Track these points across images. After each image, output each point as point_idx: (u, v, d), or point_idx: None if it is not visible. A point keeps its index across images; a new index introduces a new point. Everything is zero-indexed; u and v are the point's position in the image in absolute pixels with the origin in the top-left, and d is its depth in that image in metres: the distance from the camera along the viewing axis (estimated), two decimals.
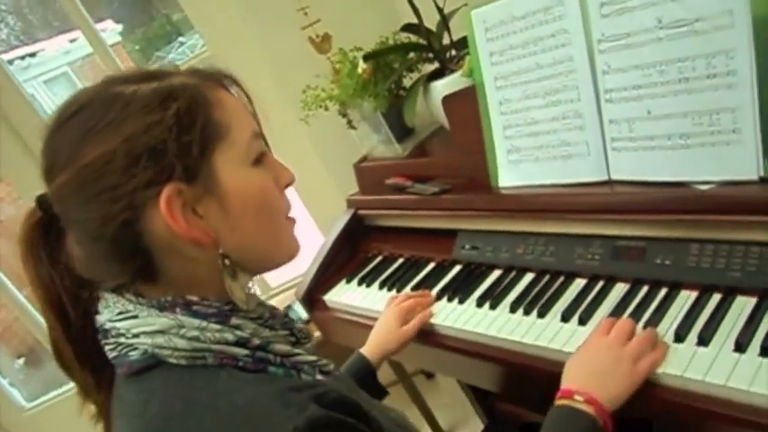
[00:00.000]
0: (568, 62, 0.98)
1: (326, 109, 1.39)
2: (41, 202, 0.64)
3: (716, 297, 0.83)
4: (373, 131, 1.40)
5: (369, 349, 1.06)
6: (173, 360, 0.59)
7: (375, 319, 1.13)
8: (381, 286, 1.26)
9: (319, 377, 0.65)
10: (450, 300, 1.10)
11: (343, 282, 1.34)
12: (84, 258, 0.63)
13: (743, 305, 0.80)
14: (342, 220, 1.44)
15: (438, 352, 1.08)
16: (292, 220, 0.70)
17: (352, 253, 1.42)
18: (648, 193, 0.91)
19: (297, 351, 0.65)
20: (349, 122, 1.42)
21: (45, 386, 2.35)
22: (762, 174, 0.80)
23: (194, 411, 0.56)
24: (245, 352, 0.61)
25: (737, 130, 0.81)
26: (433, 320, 1.08)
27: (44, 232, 0.65)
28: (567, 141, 1.02)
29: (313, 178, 1.75)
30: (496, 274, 1.11)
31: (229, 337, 0.61)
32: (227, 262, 0.63)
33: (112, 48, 1.96)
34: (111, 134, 0.58)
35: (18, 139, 1.89)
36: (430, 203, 1.24)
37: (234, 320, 0.63)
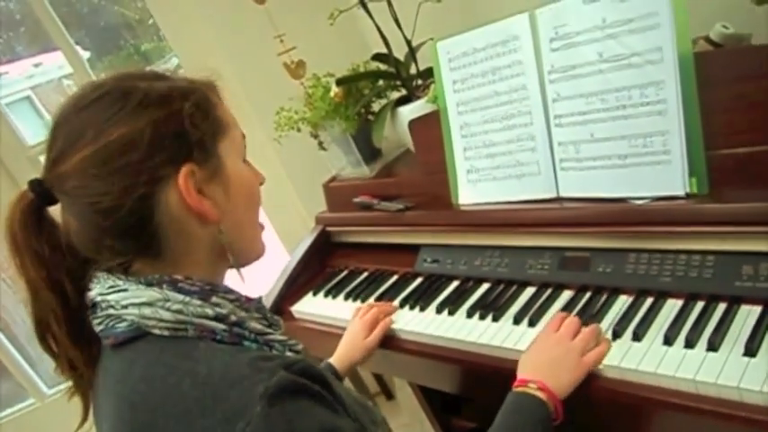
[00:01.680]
0: (522, 90, 1.09)
1: (299, 130, 1.47)
2: (35, 185, 0.68)
3: (649, 300, 0.92)
4: (343, 153, 1.49)
5: (337, 360, 1.12)
6: (156, 331, 0.64)
7: (340, 328, 1.19)
8: (346, 298, 1.32)
9: (289, 354, 0.71)
10: (411, 308, 1.18)
11: (310, 294, 1.40)
12: (88, 236, 0.67)
13: (672, 306, 0.89)
14: (310, 236, 1.50)
15: (401, 356, 1.14)
16: (262, 226, 0.79)
17: (318, 268, 1.49)
18: (592, 208, 1.01)
19: (269, 330, 0.72)
20: (320, 144, 1.50)
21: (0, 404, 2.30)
22: (688, 190, 0.91)
23: (174, 375, 0.61)
24: (223, 326, 0.66)
25: (667, 152, 0.92)
26: (395, 326, 1.15)
27: (36, 215, 0.68)
28: (520, 162, 1.12)
29: (281, 197, 1.82)
30: (455, 284, 1.19)
31: (209, 312, 0.66)
32: (224, 238, 0.70)
33: (76, 75, 1.99)
34: (136, 117, 0.64)
35: None
36: (394, 220, 1.32)
37: (214, 299, 0.68)
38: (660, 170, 0.94)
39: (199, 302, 0.66)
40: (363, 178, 1.47)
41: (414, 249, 1.31)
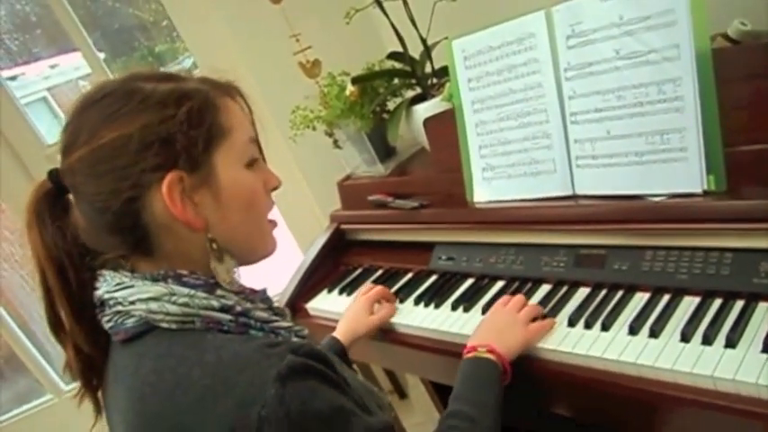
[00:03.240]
0: (538, 88, 1.09)
1: (314, 129, 1.48)
2: (52, 175, 0.71)
3: (666, 297, 0.92)
4: (358, 151, 1.50)
5: (341, 333, 1.14)
6: (164, 325, 0.66)
7: None
8: None
9: (295, 339, 0.73)
10: (426, 305, 1.18)
11: (325, 291, 1.41)
12: (89, 229, 0.70)
13: (689, 303, 0.89)
14: (324, 234, 1.51)
15: (416, 353, 1.14)
16: (273, 223, 0.79)
17: (333, 265, 1.49)
18: (608, 205, 1.01)
19: (274, 318, 0.73)
20: (335, 142, 1.51)
21: (17, 399, 2.33)
22: (705, 187, 0.91)
23: (184, 366, 0.63)
24: (229, 317, 0.68)
25: (684, 149, 0.92)
26: (410, 323, 1.15)
27: (51, 202, 0.71)
28: (536, 159, 1.12)
29: (296, 196, 1.83)
30: (470, 281, 1.20)
31: (215, 303, 0.68)
32: (214, 246, 0.71)
33: (91, 76, 2.02)
34: (128, 121, 0.66)
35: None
36: (409, 218, 1.33)
37: (219, 292, 0.70)
38: (677, 167, 0.93)
39: (204, 295, 0.68)
40: (378, 176, 1.48)
41: (428, 247, 1.31)
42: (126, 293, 0.67)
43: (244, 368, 0.61)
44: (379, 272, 1.39)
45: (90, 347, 0.72)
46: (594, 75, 1.00)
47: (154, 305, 0.66)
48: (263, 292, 0.77)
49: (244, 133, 0.73)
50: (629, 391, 0.83)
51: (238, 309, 0.69)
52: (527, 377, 0.93)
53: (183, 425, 0.61)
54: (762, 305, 0.83)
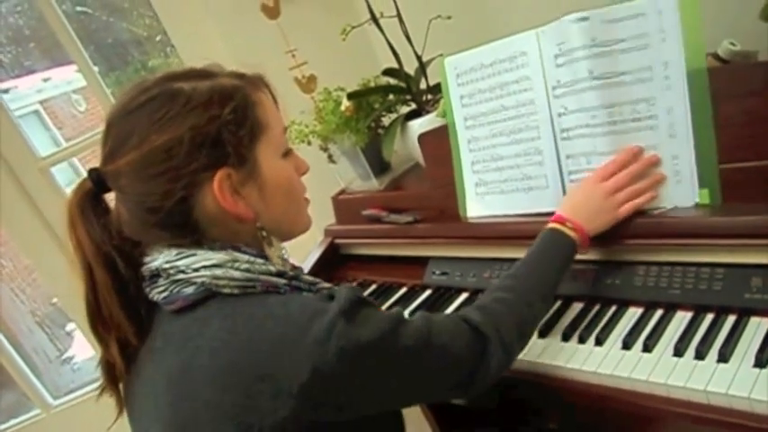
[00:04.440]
0: (530, 105, 1.10)
1: (309, 144, 1.48)
2: (93, 175, 0.74)
3: (659, 312, 0.93)
4: (352, 166, 1.50)
5: None
6: (227, 290, 0.69)
7: None
8: None
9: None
10: None
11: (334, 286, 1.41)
12: (136, 225, 0.73)
13: (682, 318, 0.90)
14: (319, 248, 1.51)
15: None
16: (307, 201, 0.88)
17: (327, 280, 1.48)
18: None
19: (318, 279, 0.79)
20: (330, 157, 1.52)
21: (4, 414, 2.30)
22: (698, 200, 0.93)
23: (254, 321, 0.67)
24: (284, 281, 0.73)
25: (676, 165, 0.94)
26: None
27: (93, 201, 0.75)
28: (528, 175, 1.13)
29: None
30: (464, 296, 1.20)
31: (272, 269, 0.73)
32: (264, 233, 0.76)
33: (85, 90, 2.03)
34: (178, 124, 0.69)
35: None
36: (403, 232, 1.33)
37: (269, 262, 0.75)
38: (669, 182, 0.95)
39: (262, 261, 0.73)
40: (372, 191, 1.49)
41: (422, 262, 1.32)
42: (189, 261, 0.70)
43: (312, 315, 0.66)
44: (374, 286, 1.39)
45: (138, 339, 0.74)
46: (583, 92, 1.01)
47: (218, 271, 0.69)
48: (302, 269, 0.84)
49: (278, 126, 0.80)
50: (623, 405, 0.83)
51: (290, 273, 0.74)
52: (521, 392, 0.93)
53: (263, 371, 0.64)
54: (753, 320, 0.84)
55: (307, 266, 1.48)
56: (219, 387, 0.65)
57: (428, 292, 1.27)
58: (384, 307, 1.27)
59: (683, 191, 0.94)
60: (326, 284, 0.80)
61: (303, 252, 1.60)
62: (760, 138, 0.88)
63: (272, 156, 0.77)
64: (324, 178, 1.61)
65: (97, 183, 0.75)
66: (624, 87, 0.97)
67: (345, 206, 1.52)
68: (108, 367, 0.76)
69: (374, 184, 1.49)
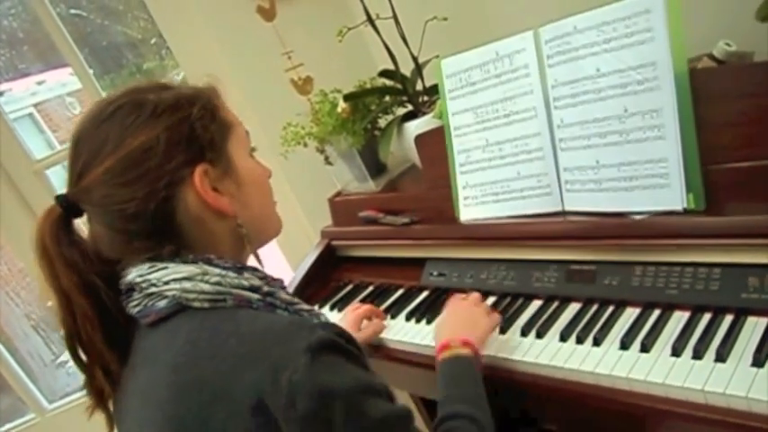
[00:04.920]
0: (528, 109, 1.09)
1: (305, 145, 1.48)
2: (61, 199, 0.72)
3: (656, 312, 0.93)
4: (349, 168, 1.50)
5: None
6: (197, 304, 0.68)
7: None
8: None
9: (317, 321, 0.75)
10: (418, 321, 1.18)
11: (316, 307, 1.40)
12: (118, 239, 0.71)
13: (679, 318, 0.90)
14: (315, 250, 1.51)
15: (408, 369, 1.14)
16: (276, 202, 0.87)
17: (324, 281, 1.49)
18: (597, 221, 1.02)
19: (297, 300, 0.77)
20: (326, 159, 1.51)
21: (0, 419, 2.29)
22: (685, 206, 0.93)
23: (219, 337, 0.65)
24: (258, 296, 0.71)
25: (665, 174, 0.94)
26: (401, 338, 1.15)
27: (66, 227, 0.72)
28: (524, 176, 1.13)
29: (286, 212, 1.82)
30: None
31: (245, 283, 0.71)
32: (244, 231, 0.76)
33: (79, 92, 2.02)
34: (151, 126, 0.69)
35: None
36: (400, 234, 1.33)
37: (246, 274, 0.73)
38: (659, 188, 0.95)
39: (234, 275, 0.71)
40: (369, 193, 1.49)
41: (419, 263, 1.31)
42: (160, 275, 0.69)
43: (277, 339, 0.64)
44: (370, 288, 1.39)
45: (120, 366, 0.73)
46: (579, 95, 1.01)
47: (188, 284, 0.68)
48: (282, 281, 0.81)
49: (242, 126, 0.80)
50: (620, 406, 0.83)
51: (265, 289, 0.73)
52: (519, 391, 0.93)
53: (218, 390, 0.62)
54: (750, 319, 0.84)
55: (303, 268, 1.48)
56: (182, 404, 0.64)
57: (425, 294, 1.27)
58: (381, 308, 1.27)
59: (671, 195, 0.94)
60: (306, 306, 0.79)
61: (300, 254, 1.60)
62: (756, 138, 0.89)
63: (243, 154, 0.78)
64: (320, 180, 1.61)
65: (67, 208, 0.72)
66: (622, 89, 0.97)
67: (342, 208, 1.52)
68: (95, 391, 0.74)
69: (371, 185, 1.49)
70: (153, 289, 0.69)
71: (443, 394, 0.86)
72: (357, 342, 0.69)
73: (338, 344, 0.65)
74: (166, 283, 0.68)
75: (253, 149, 0.82)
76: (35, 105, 6.49)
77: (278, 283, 0.78)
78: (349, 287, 1.43)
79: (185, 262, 0.70)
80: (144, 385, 0.69)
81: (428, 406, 1.55)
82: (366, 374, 0.67)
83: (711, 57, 1.01)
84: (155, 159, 0.69)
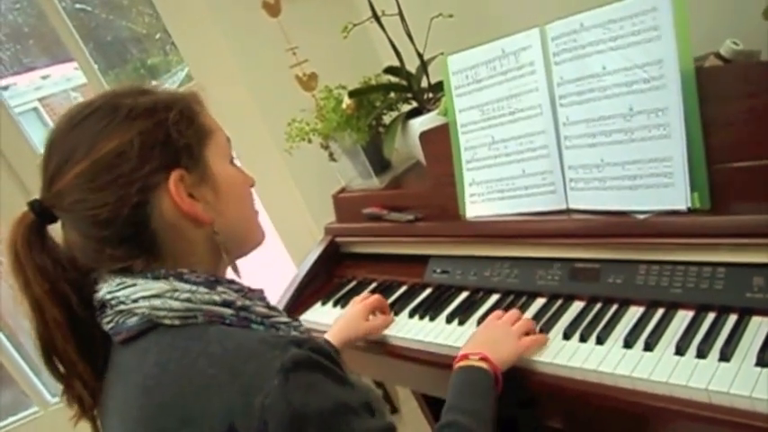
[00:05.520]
0: (534, 106, 1.09)
1: (310, 141, 1.48)
2: (35, 205, 0.70)
3: (660, 311, 0.93)
4: (353, 164, 1.50)
5: (332, 335, 1.14)
6: (167, 321, 0.67)
7: None
8: None
9: (295, 333, 0.74)
10: (421, 318, 1.18)
11: (319, 303, 1.41)
12: (89, 247, 0.69)
13: (683, 317, 0.90)
14: (319, 246, 1.51)
15: (410, 366, 1.14)
16: (257, 212, 0.83)
17: (327, 278, 1.49)
18: (601, 219, 1.02)
19: (274, 313, 0.75)
20: (330, 155, 1.52)
21: (2, 412, 2.30)
22: (689, 205, 0.93)
23: (188, 357, 0.64)
24: (231, 311, 0.69)
25: (669, 174, 0.94)
26: (404, 335, 1.15)
27: (39, 233, 0.70)
28: (529, 174, 1.13)
29: (290, 208, 1.83)
30: (465, 295, 1.20)
31: (216, 298, 0.69)
32: (219, 239, 0.73)
33: (84, 87, 2.03)
34: (124, 130, 0.68)
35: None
36: (404, 231, 1.33)
37: (219, 288, 0.71)
38: (663, 187, 0.95)
39: (206, 290, 0.69)
40: (373, 189, 1.49)
41: (423, 260, 1.31)
42: (128, 292, 0.67)
43: (248, 358, 0.62)
44: (374, 284, 1.39)
45: (95, 380, 0.71)
46: (585, 93, 1.01)
47: (157, 302, 0.66)
48: (261, 291, 0.79)
49: (222, 133, 0.78)
50: (624, 404, 0.83)
51: (239, 303, 0.71)
52: (522, 389, 0.93)
53: (187, 414, 0.61)
54: (755, 319, 0.84)
55: (307, 265, 1.48)
56: (152, 427, 0.63)
57: (428, 291, 1.27)
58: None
59: (675, 194, 0.94)
60: (284, 318, 0.76)
61: (303, 250, 1.60)
62: (762, 137, 0.88)
63: (222, 161, 0.76)
64: (324, 176, 1.61)
65: (40, 213, 0.70)
66: (628, 87, 0.96)
67: (346, 204, 1.52)
68: (75, 400, 0.72)
69: (375, 182, 1.49)
70: (122, 306, 0.67)
71: (448, 402, 0.86)
72: (333, 355, 0.68)
73: (313, 360, 0.64)
74: (135, 300, 0.67)
75: (232, 158, 0.79)
76: (40, 100, 6.51)
77: (256, 294, 0.76)
78: (352, 284, 1.43)
79: (156, 278, 0.68)
80: (120, 403, 0.68)
81: (430, 403, 1.56)
82: (343, 392, 0.65)
83: (718, 55, 1.00)
84: (128, 164, 0.67)
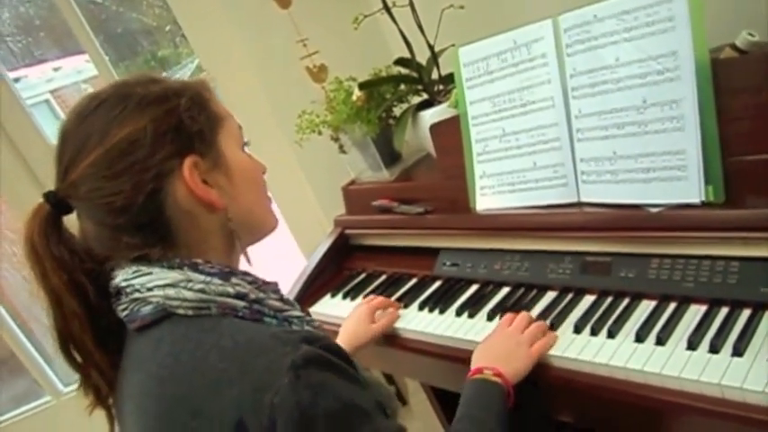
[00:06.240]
0: (546, 98, 1.08)
1: (320, 133, 1.48)
2: (50, 196, 0.70)
3: (672, 305, 0.92)
4: (363, 156, 1.50)
5: (341, 341, 1.13)
6: (181, 311, 0.67)
7: None
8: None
9: (308, 328, 0.74)
10: (431, 311, 1.18)
11: (328, 296, 1.41)
12: (106, 235, 0.70)
13: (696, 311, 0.89)
14: (328, 238, 1.51)
15: (420, 358, 1.14)
16: (270, 199, 0.84)
17: (337, 270, 1.50)
18: (613, 213, 1.01)
19: (287, 307, 0.75)
20: (340, 147, 1.51)
21: (15, 401, 2.33)
22: (703, 198, 0.92)
23: (201, 349, 0.64)
24: (244, 304, 0.70)
25: (682, 167, 0.93)
26: (414, 328, 1.15)
27: (55, 225, 0.70)
28: (541, 171, 1.12)
29: (299, 200, 1.83)
30: (474, 287, 1.19)
31: (230, 290, 0.69)
32: (233, 225, 0.74)
33: (95, 79, 2.03)
34: (136, 118, 0.68)
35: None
36: (414, 223, 1.33)
37: (233, 280, 0.71)
38: (677, 180, 0.94)
39: (220, 282, 0.69)
40: (383, 182, 1.48)
41: (433, 253, 1.31)
42: (144, 280, 0.68)
43: (259, 354, 0.62)
44: (383, 277, 1.39)
45: (112, 369, 0.72)
46: (597, 85, 1.00)
47: (171, 291, 0.67)
48: (275, 284, 0.79)
49: (234, 120, 0.79)
50: (634, 398, 0.83)
51: (253, 296, 0.71)
52: (533, 383, 0.93)
53: (198, 408, 0.62)
54: None
55: (316, 257, 1.48)
56: (164, 418, 0.64)
57: (438, 283, 1.26)
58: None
59: (689, 187, 0.93)
60: (297, 312, 0.76)
61: (313, 242, 1.60)
62: None
63: (234, 147, 0.76)
64: (334, 168, 1.61)
65: (55, 204, 0.70)
66: (642, 79, 0.95)
67: (356, 196, 1.52)
68: (92, 389, 0.73)
69: (385, 174, 1.48)
70: (137, 294, 0.68)
71: (459, 412, 0.85)
72: (346, 353, 0.68)
73: (324, 359, 0.63)
74: (150, 289, 0.67)
75: (244, 144, 0.80)
76: (51, 92, 6.54)
77: (270, 287, 0.76)
78: (362, 276, 1.43)
79: (171, 267, 0.69)
80: (135, 391, 0.68)
81: (439, 395, 1.56)
82: (354, 392, 0.64)
83: (734, 47, 0.99)
84: (142, 151, 0.67)
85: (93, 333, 0.70)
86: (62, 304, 0.68)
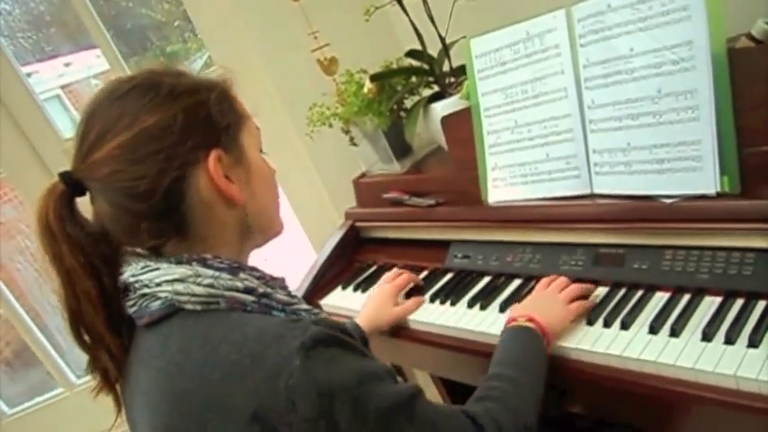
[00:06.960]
0: (558, 89, 1.08)
1: (331, 126, 1.48)
2: (66, 177, 0.70)
3: (686, 296, 0.92)
4: (374, 149, 1.50)
5: (364, 322, 1.14)
6: (189, 306, 0.67)
7: None
8: None
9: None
10: (442, 302, 1.18)
11: (339, 288, 1.41)
12: (124, 219, 0.70)
13: (710, 303, 0.89)
14: (339, 231, 1.51)
15: (432, 350, 1.14)
16: (280, 203, 0.85)
17: (347, 262, 1.50)
18: (626, 204, 1.01)
19: (294, 300, 0.75)
20: (351, 140, 1.51)
21: (28, 392, 2.35)
22: (719, 189, 0.91)
23: (210, 344, 0.65)
24: (252, 298, 0.70)
25: (697, 158, 0.92)
26: (425, 319, 1.15)
27: (69, 206, 0.70)
28: (554, 163, 1.11)
29: (310, 193, 1.83)
30: (486, 280, 1.19)
31: (239, 285, 0.70)
32: (249, 221, 0.75)
33: (104, 75, 2.04)
34: (168, 106, 0.69)
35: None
36: (425, 215, 1.33)
37: (242, 275, 0.72)
38: (692, 170, 0.93)
39: (228, 276, 0.70)
40: (394, 174, 1.48)
41: (444, 245, 1.31)
42: (152, 275, 0.68)
43: (269, 342, 0.63)
44: (394, 270, 1.38)
45: (122, 353, 0.72)
46: (611, 76, 0.99)
47: (180, 286, 0.67)
48: (282, 279, 0.79)
49: (253, 122, 0.80)
50: (648, 390, 0.83)
51: (261, 290, 0.71)
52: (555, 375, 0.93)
53: (212, 401, 0.62)
54: None
55: (327, 249, 1.48)
56: (176, 413, 0.64)
57: (450, 276, 1.26)
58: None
59: (704, 178, 0.92)
60: (304, 305, 0.77)
61: (323, 235, 1.60)
62: None
63: (253, 147, 0.78)
64: (345, 161, 1.61)
65: (71, 184, 0.70)
66: (667, 77, 0.94)
67: (367, 189, 1.52)
68: (100, 371, 0.73)
69: (396, 166, 1.48)
70: (146, 290, 0.68)
71: (495, 358, 0.88)
72: (352, 332, 0.70)
73: (332, 336, 0.64)
74: (158, 284, 0.67)
75: (262, 151, 0.80)
76: (63, 87, 6.57)
77: (278, 282, 0.77)
78: (373, 268, 1.43)
79: (179, 263, 0.69)
80: (144, 386, 0.69)
81: (448, 387, 1.56)
82: (365, 361, 0.66)
83: (750, 36, 0.98)
84: (171, 138, 0.68)
85: (105, 315, 0.70)
86: (75, 285, 0.69)
